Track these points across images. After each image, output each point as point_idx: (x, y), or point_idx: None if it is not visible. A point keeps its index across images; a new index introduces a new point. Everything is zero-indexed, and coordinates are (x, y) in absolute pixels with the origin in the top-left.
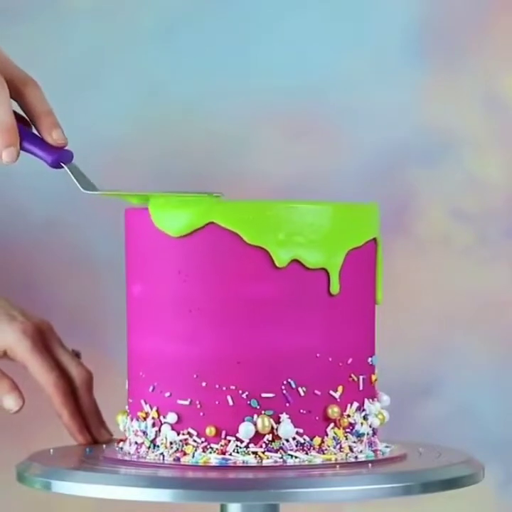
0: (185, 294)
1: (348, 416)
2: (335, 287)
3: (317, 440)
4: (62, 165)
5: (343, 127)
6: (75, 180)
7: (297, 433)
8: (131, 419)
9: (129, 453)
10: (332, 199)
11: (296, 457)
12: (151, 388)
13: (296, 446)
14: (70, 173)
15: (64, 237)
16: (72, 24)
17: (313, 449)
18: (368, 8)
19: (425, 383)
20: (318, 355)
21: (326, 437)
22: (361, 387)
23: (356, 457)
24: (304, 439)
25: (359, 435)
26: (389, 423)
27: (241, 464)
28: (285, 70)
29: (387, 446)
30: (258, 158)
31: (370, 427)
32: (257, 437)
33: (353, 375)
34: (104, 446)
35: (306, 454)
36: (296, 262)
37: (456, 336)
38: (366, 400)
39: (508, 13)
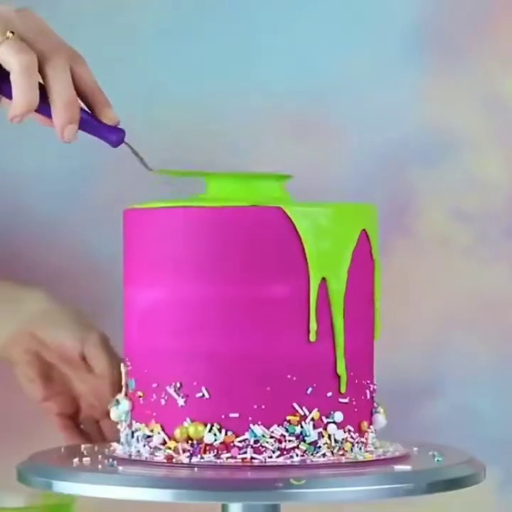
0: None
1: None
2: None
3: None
4: (125, 142)
5: (343, 127)
6: (140, 158)
7: None
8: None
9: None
10: (332, 199)
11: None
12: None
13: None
14: (133, 150)
15: (65, 237)
16: (72, 24)
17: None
18: (368, 9)
19: (425, 383)
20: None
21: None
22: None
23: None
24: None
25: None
26: (389, 423)
27: (242, 464)
28: (285, 70)
29: (387, 446)
30: (258, 158)
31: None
32: None
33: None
34: (95, 447)
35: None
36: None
37: (456, 336)
38: None
39: (508, 13)
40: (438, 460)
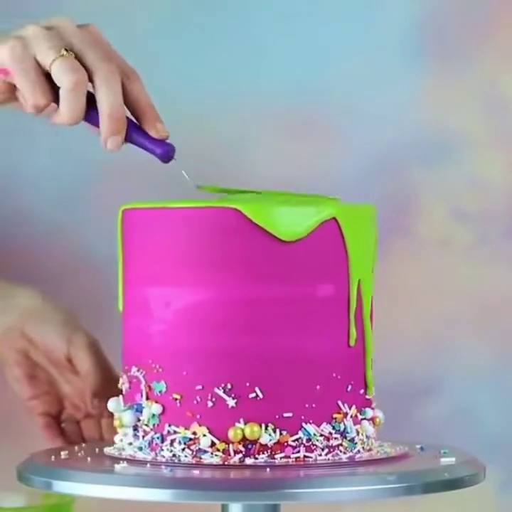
0: None
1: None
2: None
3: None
4: (172, 158)
5: (344, 128)
6: (185, 175)
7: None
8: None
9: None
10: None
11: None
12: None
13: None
14: (180, 168)
15: (65, 238)
16: None
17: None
18: (368, 9)
19: (425, 383)
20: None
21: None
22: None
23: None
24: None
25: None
26: (389, 423)
27: (242, 464)
28: (286, 71)
29: (387, 446)
30: (258, 159)
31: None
32: None
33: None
34: (95, 448)
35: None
36: None
37: (456, 336)
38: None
39: (508, 13)
40: (445, 452)
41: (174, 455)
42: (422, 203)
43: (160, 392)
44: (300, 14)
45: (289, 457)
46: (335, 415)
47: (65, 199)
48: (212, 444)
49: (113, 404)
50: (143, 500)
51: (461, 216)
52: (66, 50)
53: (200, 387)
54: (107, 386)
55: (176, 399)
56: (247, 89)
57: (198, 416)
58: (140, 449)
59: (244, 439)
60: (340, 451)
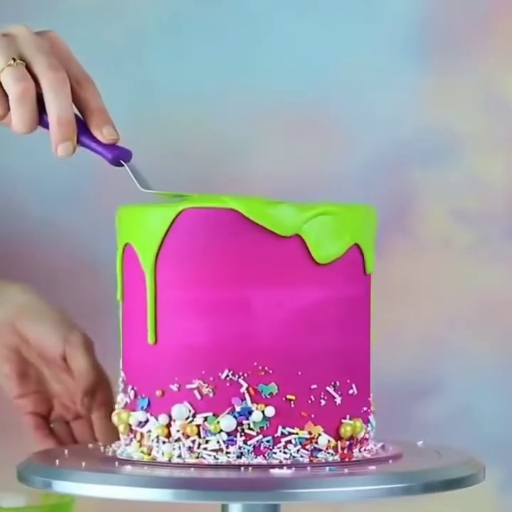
0: None
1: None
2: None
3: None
4: (122, 163)
5: (344, 128)
6: (133, 178)
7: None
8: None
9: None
10: (332, 200)
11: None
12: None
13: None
14: (129, 171)
15: (64, 238)
16: (72, 24)
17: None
18: (369, 9)
19: (425, 383)
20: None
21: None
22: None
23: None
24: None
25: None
26: (389, 423)
27: (241, 463)
28: (286, 70)
29: (386, 446)
30: (258, 159)
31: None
32: None
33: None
34: (98, 446)
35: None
36: None
37: (456, 337)
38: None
39: (508, 13)
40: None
41: (290, 456)
42: (422, 203)
43: (270, 394)
44: (300, 14)
45: (367, 450)
46: (372, 408)
47: (63, 199)
48: (328, 442)
49: (180, 411)
50: (143, 500)
51: (461, 216)
52: (14, 59)
53: (315, 386)
54: (98, 387)
55: (291, 400)
56: (247, 89)
57: (313, 415)
58: (239, 455)
59: (351, 435)
60: (376, 444)
